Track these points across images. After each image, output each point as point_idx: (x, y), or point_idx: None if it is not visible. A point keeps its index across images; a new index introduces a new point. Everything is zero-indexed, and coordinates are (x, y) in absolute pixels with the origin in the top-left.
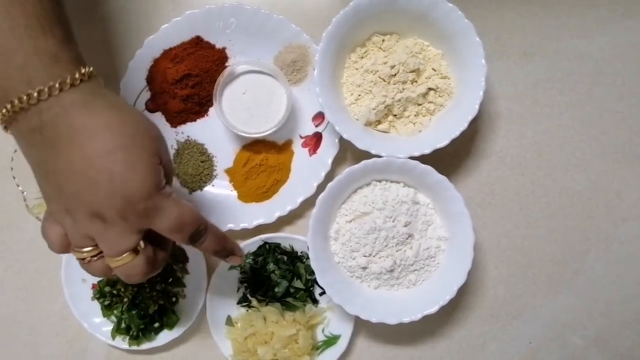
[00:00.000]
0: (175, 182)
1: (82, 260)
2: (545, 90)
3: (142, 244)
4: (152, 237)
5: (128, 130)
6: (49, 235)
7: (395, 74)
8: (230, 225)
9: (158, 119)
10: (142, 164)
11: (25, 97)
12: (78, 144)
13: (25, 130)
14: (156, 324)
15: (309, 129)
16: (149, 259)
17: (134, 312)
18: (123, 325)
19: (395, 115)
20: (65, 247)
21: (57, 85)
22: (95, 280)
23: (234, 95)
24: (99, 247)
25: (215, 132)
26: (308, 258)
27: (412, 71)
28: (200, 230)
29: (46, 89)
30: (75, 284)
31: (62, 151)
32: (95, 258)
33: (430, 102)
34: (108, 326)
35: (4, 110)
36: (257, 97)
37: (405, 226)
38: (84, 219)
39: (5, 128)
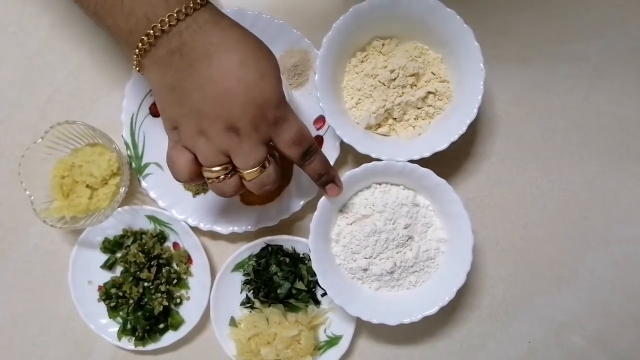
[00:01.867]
0: (179, 185)
1: (215, 179)
2: (543, 93)
3: (268, 157)
4: None
5: (254, 43)
6: (178, 162)
7: (395, 78)
8: (234, 228)
9: (162, 123)
10: (270, 73)
11: (166, 19)
12: (216, 58)
13: (165, 54)
14: (161, 325)
15: (310, 132)
16: (277, 167)
17: (139, 313)
18: (129, 326)
19: (395, 118)
20: (194, 172)
21: (191, 4)
22: (101, 282)
23: None
24: (230, 165)
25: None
26: (310, 260)
27: (412, 75)
28: (313, 148)
29: (183, 9)
30: (81, 285)
31: (201, 67)
32: (229, 175)
33: (429, 105)
34: (114, 327)
35: (144, 39)
36: None
37: (405, 228)
38: (219, 135)
39: (138, 63)
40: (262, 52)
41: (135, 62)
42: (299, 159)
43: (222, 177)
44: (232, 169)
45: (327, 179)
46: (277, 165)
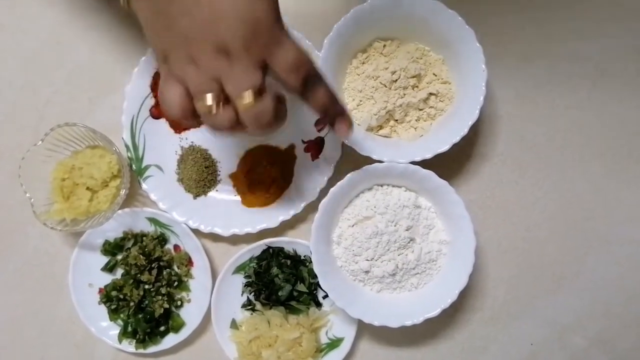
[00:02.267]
0: (180, 187)
1: (208, 112)
2: (545, 93)
3: (265, 87)
4: None
5: None
6: (169, 95)
7: (397, 80)
8: (235, 230)
9: (162, 125)
10: None
11: None
12: None
13: None
14: (162, 328)
15: (311, 134)
16: (274, 100)
17: (140, 316)
18: (129, 329)
19: (397, 120)
20: (185, 106)
21: None
22: (102, 284)
23: None
24: (223, 94)
25: (218, 138)
26: (311, 262)
27: (413, 76)
28: (314, 73)
29: None
30: (82, 288)
31: None
32: (221, 107)
33: (431, 107)
34: (115, 330)
35: None
36: None
37: (407, 230)
38: (208, 59)
39: None
40: None
41: None
42: (300, 88)
43: (214, 108)
44: (225, 98)
45: (334, 112)
46: (279, 104)
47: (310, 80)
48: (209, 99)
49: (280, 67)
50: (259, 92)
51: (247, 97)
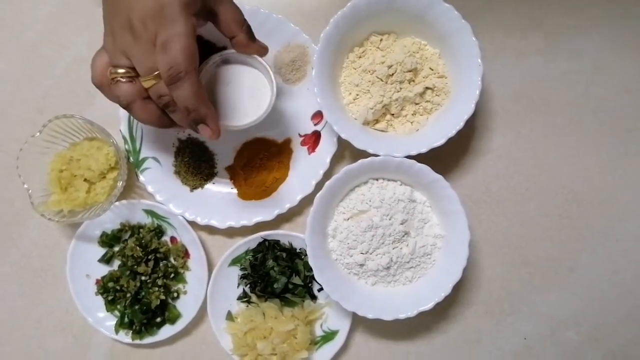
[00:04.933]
0: (177, 179)
1: (113, 81)
2: (541, 88)
3: None
4: None
5: None
6: (93, 63)
7: (393, 74)
8: (231, 223)
9: None
10: None
11: None
12: None
13: None
14: (158, 319)
15: (308, 127)
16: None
17: (136, 307)
18: (126, 319)
19: (393, 114)
20: (102, 74)
21: None
22: (99, 276)
23: (218, 84)
24: (133, 71)
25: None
26: (307, 255)
27: (410, 71)
28: (182, 71)
29: None
30: (79, 279)
31: None
32: (125, 80)
33: (427, 101)
34: (111, 321)
35: None
36: (241, 89)
37: (401, 224)
38: (119, 32)
39: None
40: None
41: None
42: (164, 77)
43: (118, 79)
44: (135, 75)
45: (195, 116)
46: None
47: (175, 75)
48: (121, 72)
49: (157, 43)
50: (159, 75)
51: (150, 78)
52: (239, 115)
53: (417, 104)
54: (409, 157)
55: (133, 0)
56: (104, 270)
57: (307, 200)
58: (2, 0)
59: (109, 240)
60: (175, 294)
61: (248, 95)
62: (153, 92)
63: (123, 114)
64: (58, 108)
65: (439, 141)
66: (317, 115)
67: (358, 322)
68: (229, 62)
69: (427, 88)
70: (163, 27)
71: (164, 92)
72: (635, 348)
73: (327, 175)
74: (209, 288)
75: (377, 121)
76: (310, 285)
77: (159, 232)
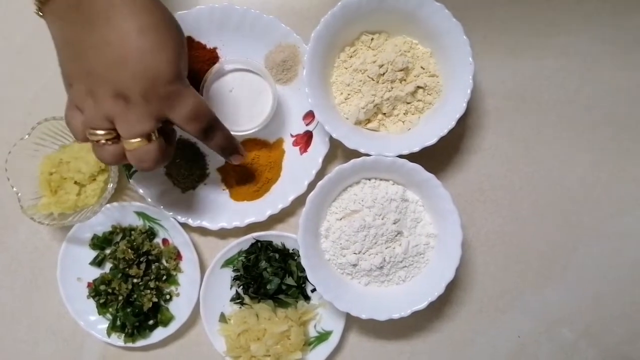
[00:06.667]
0: (168, 181)
1: (96, 143)
2: (533, 87)
3: (156, 133)
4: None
5: (160, 14)
6: (72, 123)
7: (384, 73)
8: (223, 224)
9: None
10: (170, 47)
11: None
12: (114, 20)
13: (63, 7)
14: (151, 322)
15: (299, 127)
16: (162, 147)
17: (128, 310)
18: (118, 323)
19: (385, 113)
20: (85, 135)
21: None
22: (91, 279)
23: (221, 92)
24: (114, 132)
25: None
26: (299, 255)
27: (401, 70)
28: (213, 123)
29: None
30: (70, 282)
31: (97, 27)
32: (110, 142)
33: (419, 100)
34: (103, 324)
35: None
36: (244, 95)
37: (394, 223)
38: (106, 99)
39: (39, 10)
40: (165, 24)
41: (35, 5)
42: (200, 135)
43: (102, 142)
44: (116, 136)
45: (230, 151)
46: (164, 146)
47: (209, 128)
48: (101, 134)
49: (180, 119)
50: (147, 137)
51: (134, 142)
52: (245, 121)
53: (408, 103)
54: (401, 156)
55: (118, 71)
56: (95, 273)
57: (299, 201)
58: None
59: (100, 242)
60: (168, 296)
61: (251, 100)
62: (134, 155)
63: None
64: (47, 110)
65: (431, 140)
66: (309, 115)
67: (352, 322)
68: (229, 70)
69: (418, 87)
70: (172, 97)
71: (145, 158)
72: (629, 345)
73: (320, 175)
74: (202, 290)
75: (368, 121)
76: (303, 286)
77: (150, 234)
